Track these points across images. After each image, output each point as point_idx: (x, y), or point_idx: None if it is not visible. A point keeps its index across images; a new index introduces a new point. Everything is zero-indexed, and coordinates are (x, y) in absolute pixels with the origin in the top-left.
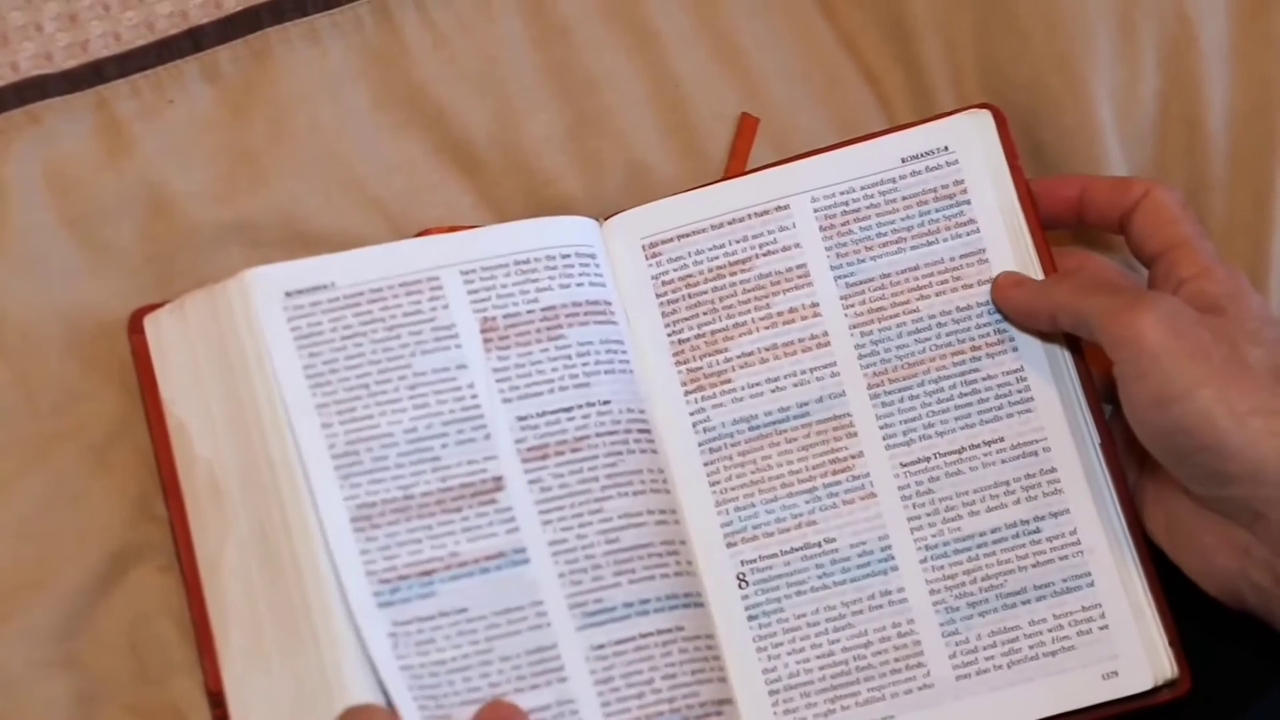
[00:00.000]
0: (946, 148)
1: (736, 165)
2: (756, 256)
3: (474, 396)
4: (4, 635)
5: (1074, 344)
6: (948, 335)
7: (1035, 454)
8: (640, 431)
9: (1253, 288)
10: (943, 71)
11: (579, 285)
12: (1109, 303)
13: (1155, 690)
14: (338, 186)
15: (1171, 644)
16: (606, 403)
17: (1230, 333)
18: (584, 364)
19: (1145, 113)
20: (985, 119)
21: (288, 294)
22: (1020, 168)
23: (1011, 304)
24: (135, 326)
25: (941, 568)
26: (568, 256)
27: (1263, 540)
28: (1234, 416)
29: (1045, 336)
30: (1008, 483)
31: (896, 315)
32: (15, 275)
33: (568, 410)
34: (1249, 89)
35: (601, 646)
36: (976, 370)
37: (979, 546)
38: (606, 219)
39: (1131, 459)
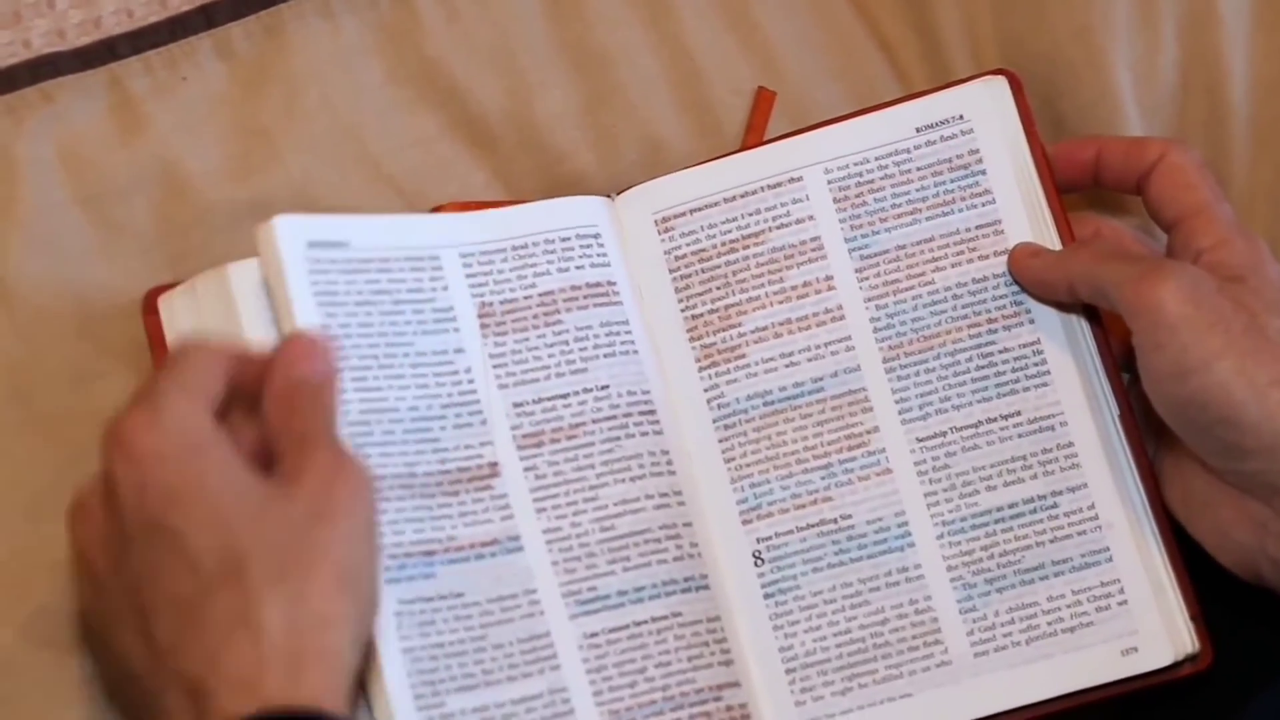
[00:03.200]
0: (961, 116)
1: (753, 139)
2: (770, 229)
3: (470, 381)
4: (16, 615)
5: (1092, 314)
6: (963, 308)
7: (1053, 428)
8: (642, 414)
9: (1273, 257)
10: (960, 43)
11: (579, 268)
12: (1127, 271)
13: (1176, 665)
14: (351, 163)
15: (1193, 618)
16: (605, 387)
17: (1250, 303)
18: (581, 349)
19: (1165, 83)
20: (1000, 85)
21: (310, 244)
22: (1037, 133)
23: (1028, 275)
24: (149, 307)
25: (959, 544)
26: (567, 240)
27: None
28: (1253, 389)
29: (1063, 307)
30: (1024, 457)
31: (912, 288)
32: (28, 254)
33: (564, 396)
34: (1270, 58)
35: (594, 635)
36: (993, 343)
37: (996, 522)
38: (620, 193)
39: (1150, 430)
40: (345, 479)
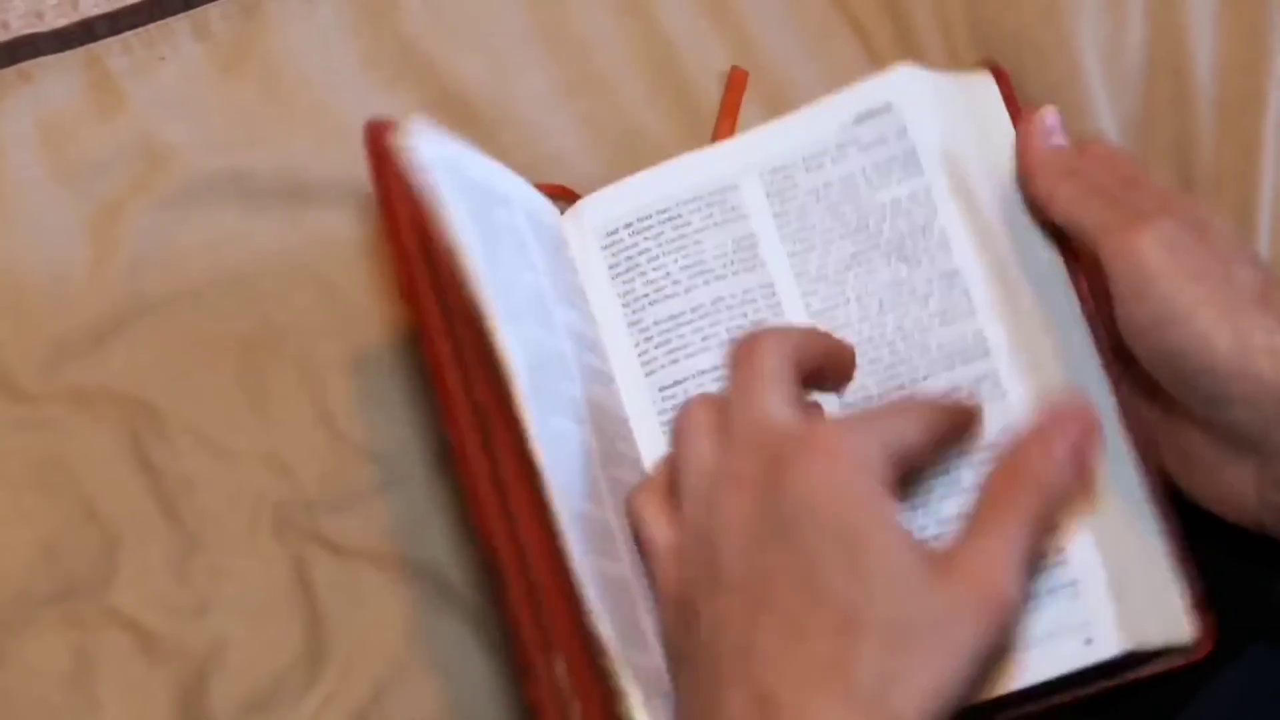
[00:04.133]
0: (889, 105)
1: (727, 121)
2: (706, 236)
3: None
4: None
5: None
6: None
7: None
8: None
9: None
10: (931, 24)
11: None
12: (1108, 218)
13: (1177, 652)
14: (332, 139)
15: (1195, 606)
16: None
17: (1222, 251)
18: None
19: (1132, 63)
20: (986, 80)
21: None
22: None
23: (1029, 164)
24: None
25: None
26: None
27: (1271, 459)
28: (1234, 338)
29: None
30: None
31: (854, 300)
32: (7, 231)
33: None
34: (1236, 39)
35: None
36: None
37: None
38: (569, 209)
39: (1141, 396)
40: (1001, 592)
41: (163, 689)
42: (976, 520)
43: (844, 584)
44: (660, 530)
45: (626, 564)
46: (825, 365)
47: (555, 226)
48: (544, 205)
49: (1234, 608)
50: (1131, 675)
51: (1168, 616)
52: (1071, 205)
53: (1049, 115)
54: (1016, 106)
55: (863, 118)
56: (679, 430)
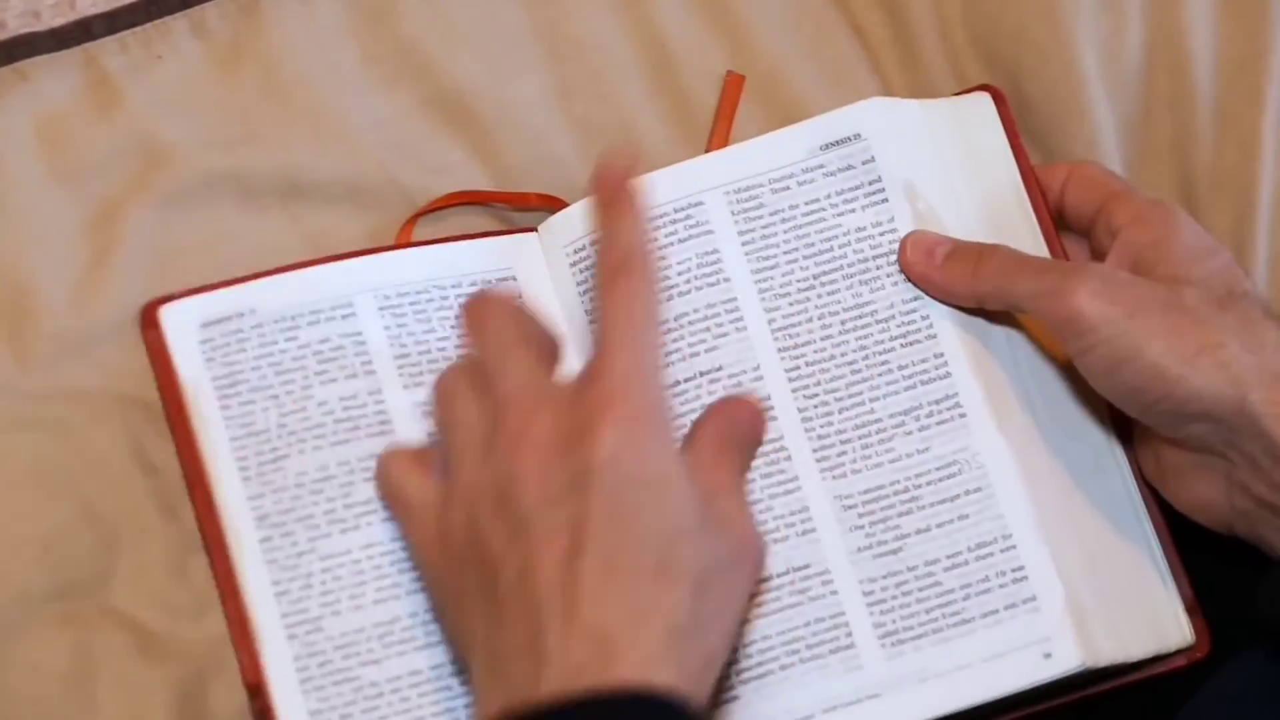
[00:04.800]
0: (859, 134)
1: (722, 127)
2: (671, 250)
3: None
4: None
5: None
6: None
7: (961, 470)
8: None
9: (1191, 221)
10: (929, 24)
11: None
12: (1039, 285)
13: (1173, 655)
14: (330, 138)
15: (1189, 610)
16: None
17: (1166, 272)
18: None
19: (1130, 63)
20: (985, 101)
21: (203, 325)
22: (1024, 150)
23: (929, 283)
24: (149, 322)
25: (873, 571)
26: (476, 286)
27: (1238, 465)
28: (1183, 362)
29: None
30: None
31: (815, 318)
32: (6, 230)
33: None
34: (1234, 39)
35: None
36: (891, 350)
37: (922, 568)
38: (542, 224)
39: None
40: (760, 543)
41: (161, 688)
42: (719, 475)
43: (657, 527)
44: (416, 488)
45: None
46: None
47: (474, 275)
48: (453, 262)
49: (1229, 611)
50: (1135, 676)
51: (1159, 623)
52: (999, 291)
53: (917, 240)
54: (1014, 128)
55: (831, 145)
56: (442, 395)
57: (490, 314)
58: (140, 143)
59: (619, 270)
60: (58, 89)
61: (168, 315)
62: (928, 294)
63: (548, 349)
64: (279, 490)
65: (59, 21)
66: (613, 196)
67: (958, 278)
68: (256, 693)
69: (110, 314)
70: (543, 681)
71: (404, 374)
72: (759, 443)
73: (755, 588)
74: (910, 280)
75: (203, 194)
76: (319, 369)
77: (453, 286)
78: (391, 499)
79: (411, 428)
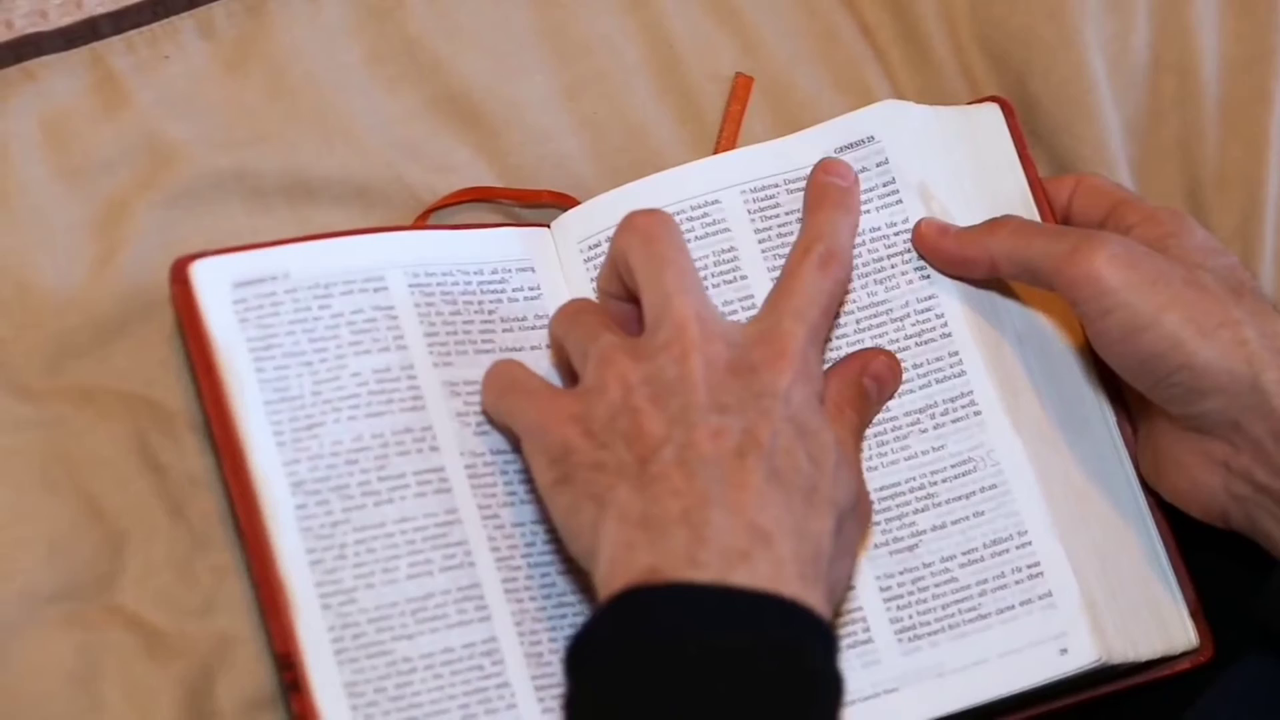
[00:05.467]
0: (872, 137)
1: (731, 128)
2: (689, 247)
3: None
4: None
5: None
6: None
7: (977, 466)
8: None
9: (1197, 224)
10: (937, 24)
11: (512, 300)
12: (1056, 247)
13: (1178, 658)
14: (337, 137)
15: (1193, 614)
16: None
17: (1182, 259)
18: None
19: (1137, 62)
20: (994, 112)
21: (236, 285)
22: (1031, 159)
23: (942, 254)
24: (178, 277)
25: (890, 573)
26: (498, 271)
27: (1240, 449)
28: (1202, 333)
29: (976, 283)
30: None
31: (836, 316)
32: (12, 229)
33: None
34: (1240, 38)
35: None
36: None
37: (939, 565)
38: (555, 220)
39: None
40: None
41: (168, 687)
42: (845, 426)
43: (811, 463)
44: (539, 381)
45: (500, 620)
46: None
47: (495, 263)
48: (477, 248)
49: (1234, 613)
50: (1139, 679)
51: (1166, 625)
52: (1014, 252)
53: (930, 221)
54: (1022, 139)
55: (846, 147)
56: (565, 317)
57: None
58: (147, 142)
59: (823, 259)
60: (65, 88)
61: (199, 271)
62: (939, 268)
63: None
64: (315, 458)
65: (66, 21)
66: (843, 197)
67: (972, 240)
68: (287, 663)
69: (116, 313)
70: (701, 555)
71: (434, 352)
72: (889, 394)
73: (864, 542)
74: (922, 255)
75: (209, 193)
76: (353, 339)
77: (475, 272)
78: (507, 388)
79: (444, 406)
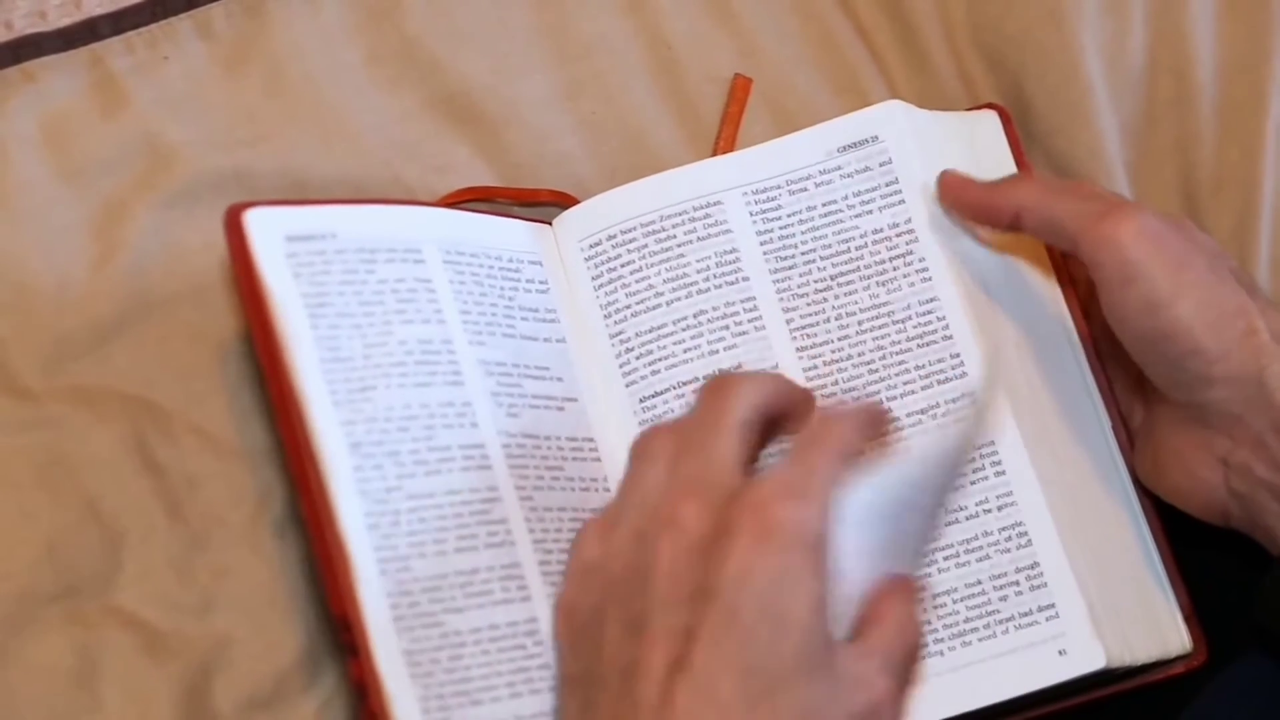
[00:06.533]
0: (876, 137)
1: (729, 129)
2: (690, 252)
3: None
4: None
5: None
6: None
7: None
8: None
9: (1196, 227)
10: (934, 28)
11: (525, 291)
12: (1085, 208)
13: (1171, 662)
14: (336, 137)
15: (1187, 617)
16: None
17: (1201, 245)
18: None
19: (1133, 65)
20: (991, 119)
21: (289, 238)
22: (1029, 166)
23: (967, 199)
24: (233, 225)
25: None
26: (514, 261)
27: (1240, 444)
28: (1220, 319)
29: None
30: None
31: (833, 318)
32: (12, 230)
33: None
34: (1236, 41)
35: None
36: (908, 350)
37: (942, 564)
38: (557, 218)
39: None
40: (877, 693)
41: (166, 687)
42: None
43: (766, 660)
44: (587, 547)
45: (539, 601)
46: (789, 413)
47: (511, 251)
48: (497, 234)
49: (1229, 615)
50: (1132, 683)
51: (1160, 629)
52: (1041, 205)
53: (954, 172)
54: (1019, 146)
55: (848, 147)
56: (635, 455)
57: (728, 393)
58: (146, 143)
59: (832, 432)
60: (64, 89)
61: (252, 219)
62: (961, 215)
63: (779, 427)
64: (370, 420)
65: (65, 22)
66: (873, 419)
67: (1000, 190)
68: (345, 626)
69: (115, 314)
70: None
71: (468, 329)
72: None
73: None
74: (944, 206)
75: (208, 194)
76: (398, 307)
77: (496, 258)
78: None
79: (481, 384)
